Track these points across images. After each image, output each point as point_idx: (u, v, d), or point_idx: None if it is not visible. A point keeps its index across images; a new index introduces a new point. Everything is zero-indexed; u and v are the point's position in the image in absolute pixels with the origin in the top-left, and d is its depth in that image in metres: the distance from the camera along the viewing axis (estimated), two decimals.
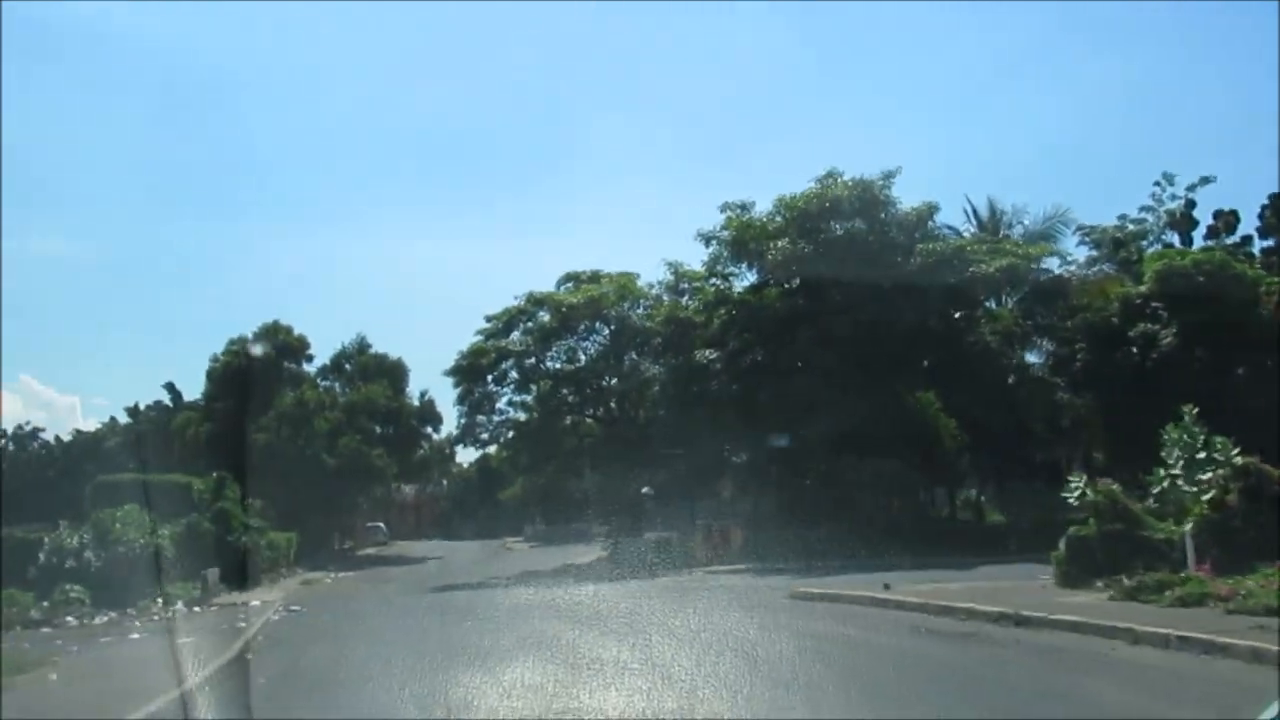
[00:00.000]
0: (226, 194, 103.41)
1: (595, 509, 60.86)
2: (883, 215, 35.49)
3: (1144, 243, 41.09)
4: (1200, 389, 23.85)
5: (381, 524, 68.87)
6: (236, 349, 52.70)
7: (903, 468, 31.75)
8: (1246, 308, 31.42)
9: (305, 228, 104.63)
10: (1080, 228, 41.47)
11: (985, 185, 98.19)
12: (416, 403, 57.63)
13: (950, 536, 31.82)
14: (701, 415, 36.34)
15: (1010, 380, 34.74)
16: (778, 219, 35.94)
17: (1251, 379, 30.48)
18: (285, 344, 54.46)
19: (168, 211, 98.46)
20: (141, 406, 69.99)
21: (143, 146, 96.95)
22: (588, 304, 38.88)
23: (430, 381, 77.13)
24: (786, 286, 36.12)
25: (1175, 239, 41.27)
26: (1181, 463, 17.42)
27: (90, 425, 76.96)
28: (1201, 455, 17.18)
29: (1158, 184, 42.59)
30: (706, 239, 35.96)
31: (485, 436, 41.77)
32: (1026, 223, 40.74)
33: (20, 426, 78.35)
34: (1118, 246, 39.35)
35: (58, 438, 76.19)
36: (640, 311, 40.66)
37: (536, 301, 39.73)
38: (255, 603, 27.37)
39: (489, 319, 40.52)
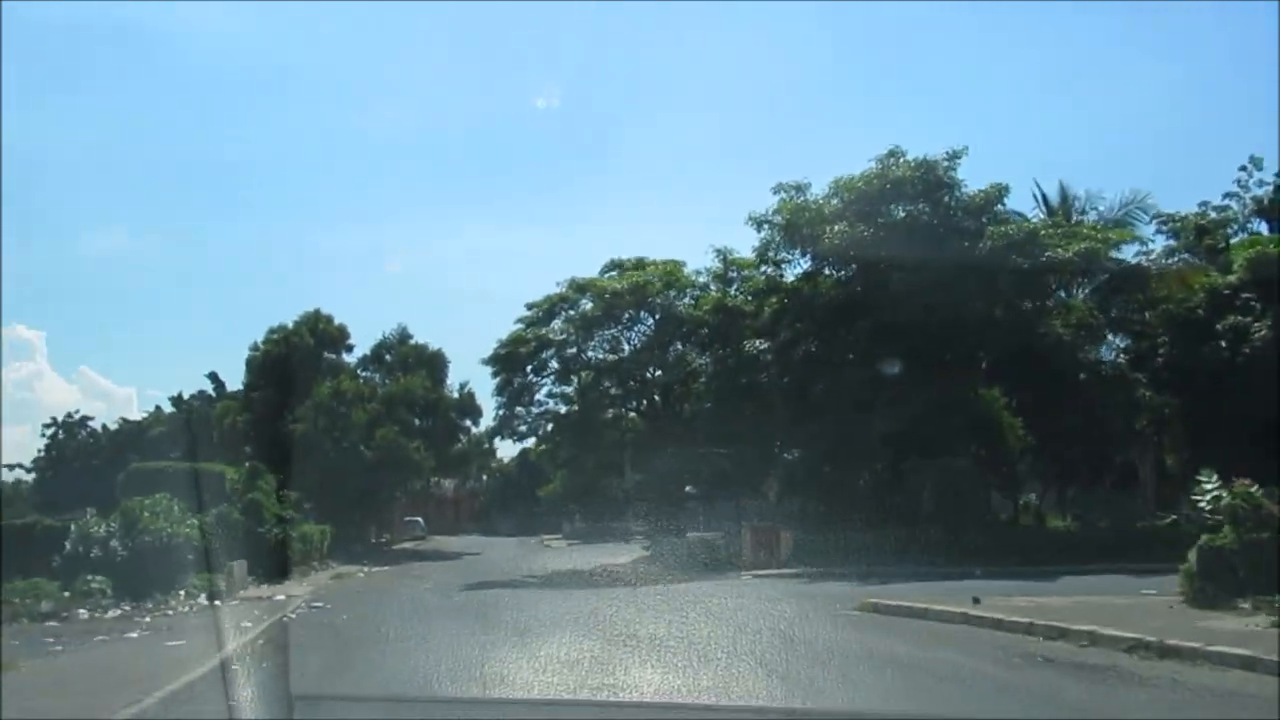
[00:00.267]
0: (275, 190, 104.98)
1: (635, 507, 59.20)
2: (946, 199, 33.26)
3: (1229, 231, 38.24)
4: None
5: (419, 518, 67.86)
6: (276, 337, 51.92)
7: (972, 467, 29.54)
8: None
9: (351, 221, 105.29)
10: (1156, 216, 38.82)
11: (1053, 171, 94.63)
12: (456, 395, 56.41)
13: (1018, 543, 29.52)
14: (750, 409, 34.43)
15: (1083, 376, 32.24)
16: (834, 202, 33.86)
17: None
18: (325, 333, 53.58)
19: (220, 207, 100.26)
20: (186, 396, 69.96)
21: (196, 144, 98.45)
22: (632, 290, 37.08)
23: (470, 373, 76.44)
24: (843, 273, 34.04)
25: (1264, 227, 38.36)
26: None
27: (138, 415, 77.26)
28: None
29: (1243, 169, 39.68)
30: (758, 223, 34.00)
31: (523, 428, 40.20)
32: (1101, 209, 38.20)
33: (70, 415, 78.79)
34: (1201, 235, 36.55)
35: (105, 426, 76.40)
36: (687, 301, 38.82)
37: (579, 288, 38.01)
38: (280, 597, 26.18)
39: (529, 306, 38.95)
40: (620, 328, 38.87)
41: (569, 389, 39.98)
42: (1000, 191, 32.98)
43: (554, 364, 39.12)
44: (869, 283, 32.18)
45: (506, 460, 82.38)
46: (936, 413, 30.04)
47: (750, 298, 35.88)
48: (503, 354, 37.95)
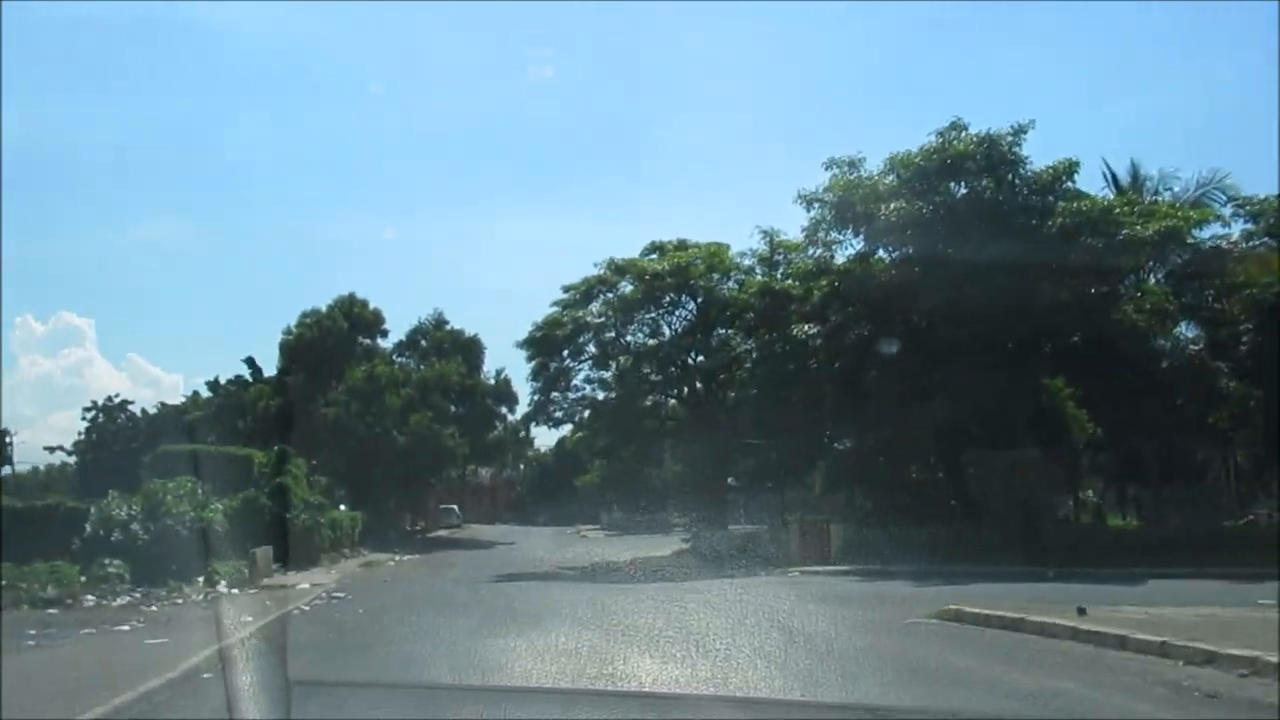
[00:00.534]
0: (314, 180, 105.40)
1: (675, 497, 57.59)
2: (1010, 176, 31.10)
3: None
4: None
5: (455, 506, 66.84)
6: (309, 321, 50.98)
7: (1043, 460, 27.49)
8: None
9: (390, 211, 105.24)
10: (1234, 199, 36.22)
11: (1120, 152, 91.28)
12: (492, 381, 55.15)
13: (1087, 543, 27.48)
14: (797, 397, 32.62)
15: (1164, 365, 30.00)
16: (889, 179, 31.88)
17: None
18: (359, 317, 52.53)
19: (263, 197, 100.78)
20: (222, 381, 69.53)
21: (240, 136, 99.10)
22: (674, 272, 35.35)
23: (507, 359, 75.41)
24: (898, 254, 32.03)
25: None
26: None
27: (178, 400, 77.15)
28: None
29: None
30: (808, 201, 32.07)
31: (559, 414, 38.56)
32: (1176, 189, 35.65)
33: (110, 398, 78.77)
34: None
35: (144, 410, 76.28)
36: (731, 285, 37.03)
37: (618, 269, 36.32)
38: (304, 585, 25.06)
39: (566, 289, 37.36)
40: (661, 311, 37.19)
41: (607, 374, 38.41)
42: (1070, 167, 30.72)
43: (591, 348, 37.53)
44: (927, 264, 30.12)
45: (543, 449, 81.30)
46: (998, 402, 28.08)
47: (799, 279, 33.98)
48: (538, 337, 36.38)
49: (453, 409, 51.93)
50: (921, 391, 28.61)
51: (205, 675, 8.41)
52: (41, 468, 75.11)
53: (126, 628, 13.51)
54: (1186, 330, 34.34)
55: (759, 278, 36.79)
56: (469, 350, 54.96)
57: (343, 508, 42.42)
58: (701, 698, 8.01)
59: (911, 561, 25.40)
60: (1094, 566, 22.95)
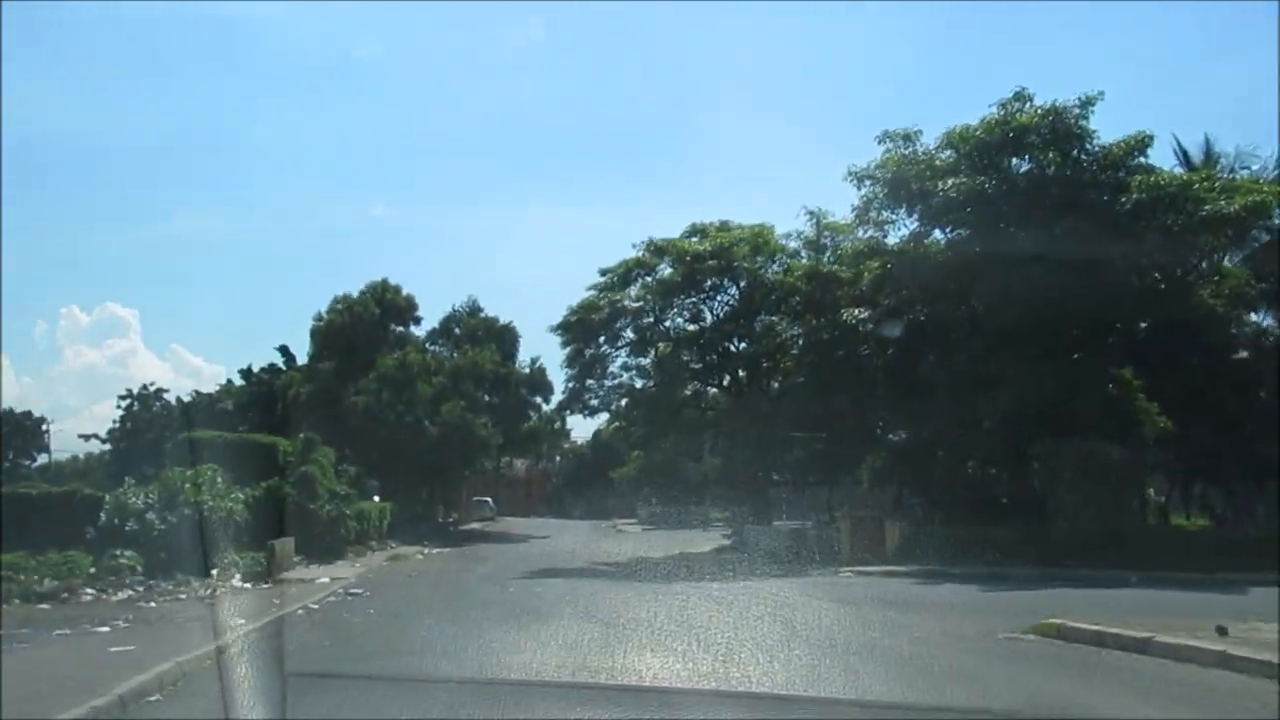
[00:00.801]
0: (354, 173, 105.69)
1: (716, 491, 55.90)
2: (1076, 151, 28.92)
3: None
4: None
5: (488, 499, 65.52)
6: (340, 307, 49.85)
7: (1122, 454, 25.39)
8: None
9: (428, 201, 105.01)
10: None
11: (1190, 130, 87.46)
12: (527, 370, 53.68)
13: (1163, 544, 25.34)
14: (846, 386, 30.77)
15: (1244, 354, 27.71)
16: (945, 155, 29.87)
17: None
18: (392, 304, 51.26)
19: (303, 189, 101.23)
20: (256, 369, 68.92)
21: (280, 131, 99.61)
22: (716, 253, 33.50)
23: (542, 349, 73.99)
24: (956, 234, 29.98)
25: None
26: None
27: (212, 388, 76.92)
28: None
29: None
30: (858, 178, 30.07)
31: (595, 402, 36.83)
32: (1255, 168, 33.22)
33: (145, 387, 78.80)
34: None
35: (179, 399, 76.11)
36: (775, 268, 35.14)
37: (657, 250, 34.51)
38: (324, 579, 23.80)
39: (603, 272, 35.60)
40: (702, 296, 35.37)
41: (645, 361, 36.71)
42: (1144, 140, 28.45)
43: (629, 334, 35.85)
44: (988, 243, 28.06)
45: (579, 441, 79.90)
46: (1065, 393, 26.02)
47: (848, 261, 32.06)
48: (573, 321, 34.69)
49: (486, 398, 50.58)
50: (983, 380, 26.61)
51: (151, 699, 6.97)
52: (81, 456, 75.37)
53: (106, 629, 12.15)
54: (1263, 318, 32.07)
55: (804, 261, 34.95)
56: (503, 338, 53.56)
57: (376, 499, 41.26)
58: None
59: (973, 563, 23.58)
60: (1171, 571, 20.86)
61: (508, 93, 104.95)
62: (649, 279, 35.01)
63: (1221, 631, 9.39)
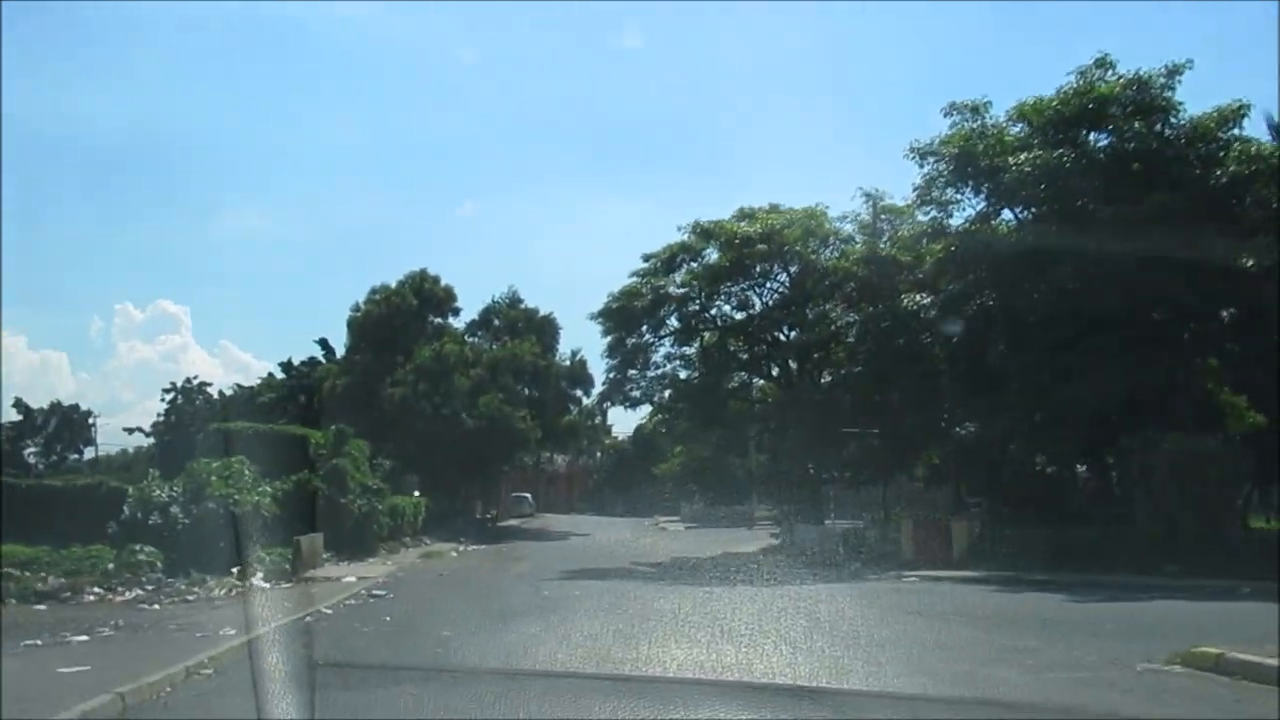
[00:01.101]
0: (402, 170, 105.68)
1: (761, 488, 53.94)
2: (1160, 126, 26.54)
3: None
4: None
5: (528, 495, 64.14)
6: (378, 297, 48.67)
7: (1225, 450, 23.08)
8: None
9: (472, 193, 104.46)
10: None
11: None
12: (567, 363, 52.10)
13: (1263, 549, 22.92)
14: (906, 377, 28.64)
15: None
16: (1016, 130, 27.72)
17: None
18: (430, 294, 49.92)
19: (347, 186, 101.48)
20: (296, 362, 68.36)
21: (324, 128, 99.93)
22: (766, 236, 31.47)
23: (583, 339, 72.69)
24: (1028, 213, 27.76)
25: None
26: None
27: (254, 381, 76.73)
28: None
29: None
30: (921, 154, 27.98)
31: (636, 393, 34.93)
32: None
33: (188, 380, 78.79)
34: None
35: (221, 392, 75.95)
36: (830, 253, 33.08)
37: (704, 234, 32.56)
38: (350, 579, 22.42)
39: (647, 257, 33.75)
40: (751, 282, 33.39)
41: (690, 350, 34.87)
42: (1239, 111, 25.93)
43: (673, 321, 34.01)
44: (1065, 222, 25.83)
45: (621, 437, 78.32)
46: (1153, 384, 23.76)
47: (909, 243, 29.97)
48: (614, 308, 32.85)
49: (525, 391, 49.08)
50: (1060, 371, 24.42)
51: None
52: (131, 450, 75.45)
53: (85, 637, 10.72)
54: None
55: (860, 245, 32.87)
56: (543, 330, 52.02)
57: (416, 494, 40.01)
58: None
59: (1053, 568, 21.49)
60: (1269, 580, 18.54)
61: (546, 88, 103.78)
62: (695, 264, 33.12)
63: None
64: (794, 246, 31.69)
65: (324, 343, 62.13)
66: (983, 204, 28.75)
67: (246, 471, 26.33)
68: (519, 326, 52.16)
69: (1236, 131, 26.34)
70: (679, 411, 36.18)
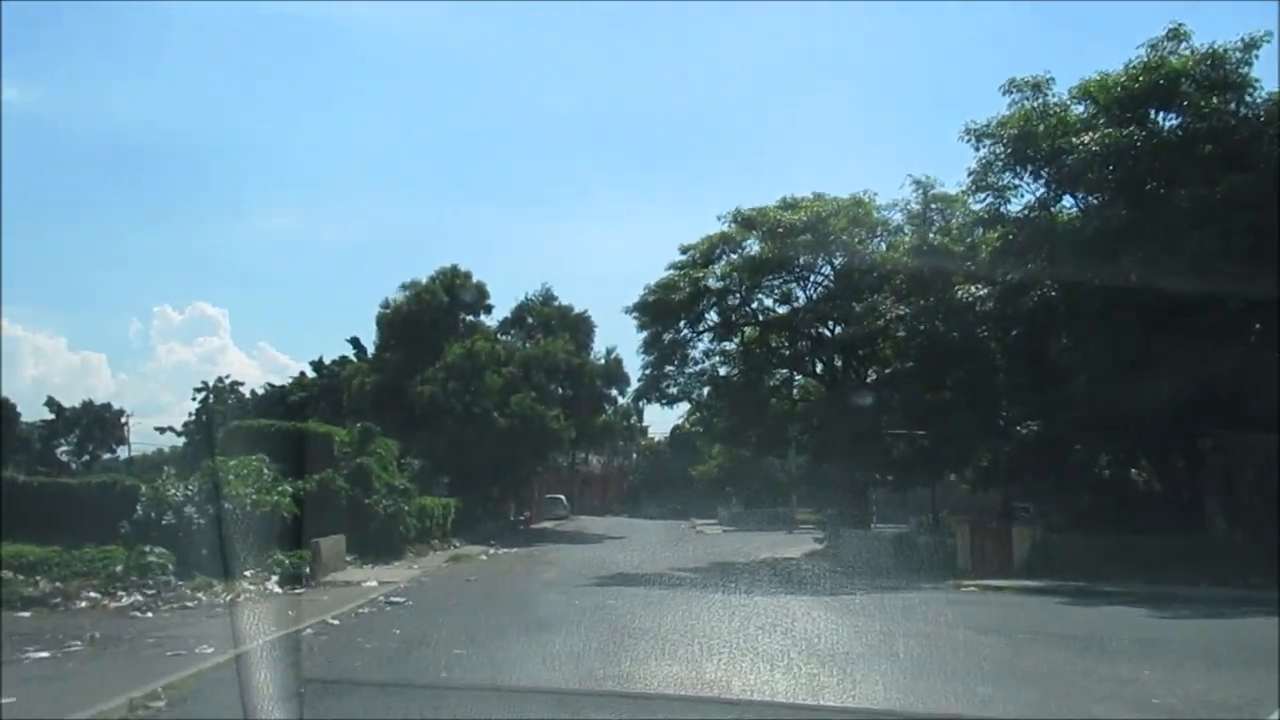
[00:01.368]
0: (437, 168, 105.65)
1: (803, 490, 52.27)
2: (1234, 106, 24.61)
3: None
4: None
5: (561, 497, 62.81)
6: (408, 294, 47.63)
7: None
8: None
9: (505, 196, 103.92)
10: None
11: None
12: (602, 361, 50.72)
13: None
14: (959, 373, 26.93)
15: None
16: (1079, 109, 25.94)
17: None
18: (461, 290, 48.67)
19: (382, 186, 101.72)
20: (327, 361, 67.78)
21: (360, 130, 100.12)
22: (810, 225, 29.79)
23: (618, 337, 71.48)
24: (1093, 198, 25.92)
25: None
26: None
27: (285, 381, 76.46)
28: None
29: None
30: (977, 135, 26.23)
31: (674, 391, 33.37)
32: None
33: (220, 380, 78.79)
34: None
35: (253, 391, 75.69)
36: (877, 244, 31.38)
37: (745, 223, 30.92)
38: (370, 583, 21.31)
39: (684, 249, 32.23)
40: (794, 274, 31.74)
41: (730, 345, 33.30)
42: None
43: (712, 316, 32.48)
44: (1136, 206, 24.00)
45: (657, 438, 76.90)
46: (1233, 377, 21.86)
47: (964, 231, 28.27)
48: (650, 301, 31.30)
49: (559, 390, 47.81)
50: (1131, 364, 22.61)
51: None
52: (166, 450, 75.51)
53: (46, 654, 9.53)
54: None
55: (908, 236, 31.15)
56: (577, 327, 50.69)
57: (449, 497, 38.89)
58: None
59: (1123, 578, 19.75)
60: None
61: (579, 87, 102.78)
62: (735, 256, 31.53)
63: None
64: (840, 236, 29.97)
65: (355, 341, 61.39)
66: (1042, 189, 26.97)
67: (266, 470, 25.25)
68: (552, 324, 50.92)
69: None
70: (718, 410, 34.58)
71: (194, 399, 75.03)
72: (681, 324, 32.12)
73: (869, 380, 32.32)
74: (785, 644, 11.18)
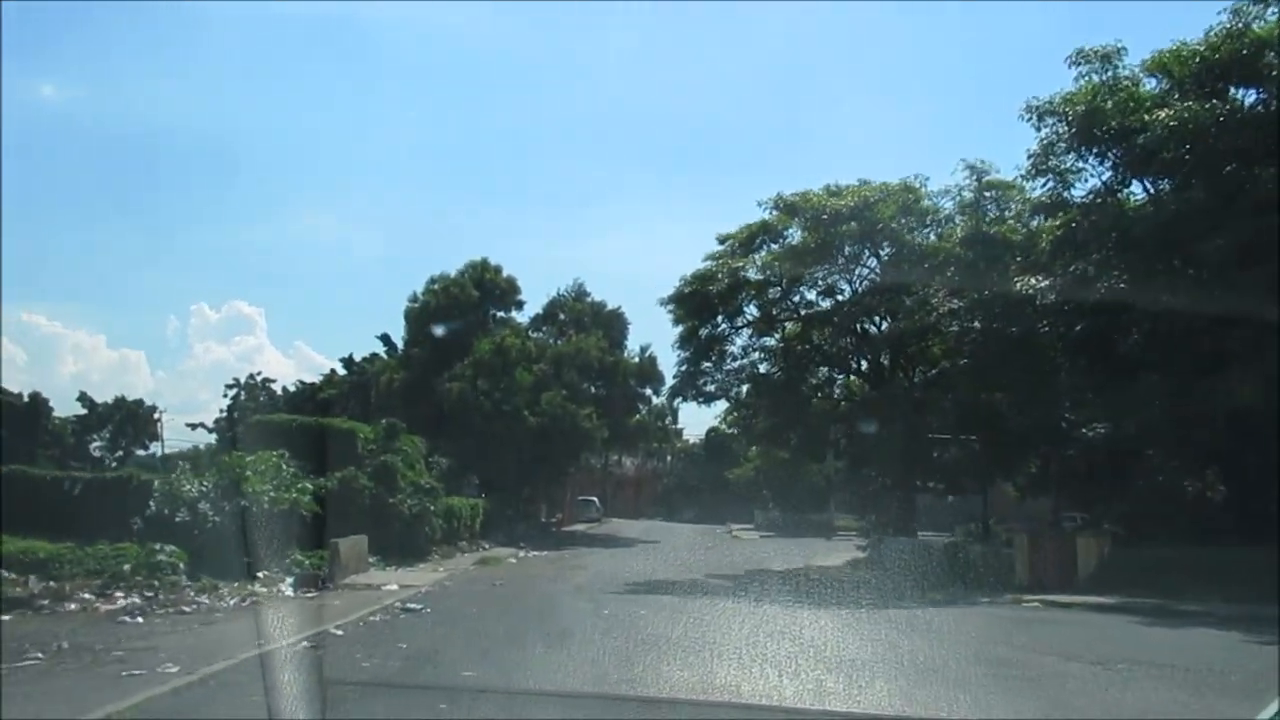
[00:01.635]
0: (469, 169, 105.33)
1: (843, 495, 50.48)
2: None
3: None
4: None
5: (594, 498, 61.41)
6: (436, 288, 46.49)
7: None
8: None
9: (539, 196, 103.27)
10: None
11: None
12: (636, 360, 49.26)
13: None
14: (1017, 372, 25.12)
15: None
16: (1150, 85, 24.10)
17: None
18: (492, 285, 47.47)
19: (414, 186, 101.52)
20: (357, 359, 67.12)
21: (394, 132, 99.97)
22: (857, 212, 28.04)
23: (652, 335, 70.12)
24: (1166, 183, 24.03)
25: None
26: None
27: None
28: None
29: None
30: (1040, 114, 24.43)
31: (710, 388, 31.71)
32: None
33: (251, 376, 78.60)
34: None
35: (284, 388, 75.29)
36: (928, 234, 29.62)
37: (788, 209, 29.17)
38: (390, 586, 20.12)
39: (723, 239, 30.65)
40: (837, 267, 29.98)
41: (770, 341, 31.67)
42: None
43: (751, 310, 30.85)
44: (1214, 191, 22.09)
45: (691, 440, 75.38)
46: None
47: (1024, 218, 26.48)
48: (686, 293, 29.63)
49: (591, 389, 46.42)
50: (1209, 361, 20.79)
51: None
52: (201, 446, 75.26)
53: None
54: None
55: (959, 226, 29.36)
56: (611, 325, 49.29)
57: (478, 498, 37.72)
58: None
59: (1202, 596, 17.94)
60: None
61: (614, 85, 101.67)
62: (776, 245, 29.84)
63: None
64: (888, 224, 28.19)
65: (386, 338, 60.47)
66: (1108, 173, 25.12)
67: (285, 466, 24.21)
68: (585, 321, 49.57)
69: None
70: (758, 409, 32.88)
71: (224, 395, 74.97)
72: (719, 318, 30.50)
73: (916, 379, 30.55)
74: (849, 660, 9.75)
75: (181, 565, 19.43)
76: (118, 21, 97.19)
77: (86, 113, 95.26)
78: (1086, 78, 23.87)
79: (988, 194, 29.31)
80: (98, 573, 18.59)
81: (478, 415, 39.97)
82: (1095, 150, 24.64)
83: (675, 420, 55.04)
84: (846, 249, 29.18)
